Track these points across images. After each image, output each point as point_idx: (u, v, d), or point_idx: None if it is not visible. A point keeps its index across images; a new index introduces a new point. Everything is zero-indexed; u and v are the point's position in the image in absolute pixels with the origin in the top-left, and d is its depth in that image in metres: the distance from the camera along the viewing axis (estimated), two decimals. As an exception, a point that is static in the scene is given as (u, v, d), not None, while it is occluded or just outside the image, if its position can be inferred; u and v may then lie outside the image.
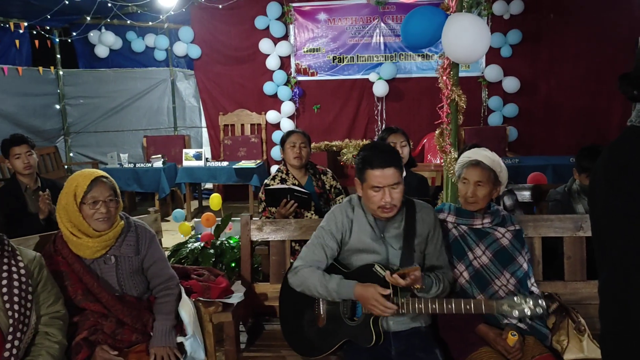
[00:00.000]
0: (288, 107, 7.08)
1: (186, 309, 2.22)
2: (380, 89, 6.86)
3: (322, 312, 2.22)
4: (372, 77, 6.92)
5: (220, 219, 3.90)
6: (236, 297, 2.37)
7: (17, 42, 6.68)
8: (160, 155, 6.55)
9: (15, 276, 1.90)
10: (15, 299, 1.87)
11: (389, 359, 2.08)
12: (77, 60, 7.56)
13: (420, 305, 2.00)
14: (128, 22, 7.07)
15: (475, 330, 2.13)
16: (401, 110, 7.01)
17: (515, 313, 1.91)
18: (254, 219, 2.70)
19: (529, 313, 1.90)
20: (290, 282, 2.23)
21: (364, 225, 2.18)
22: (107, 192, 2.14)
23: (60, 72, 7.51)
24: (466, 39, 2.47)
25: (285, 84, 7.10)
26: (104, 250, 2.16)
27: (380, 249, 2.15)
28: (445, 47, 2.54)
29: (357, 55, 7.05)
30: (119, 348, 2.06)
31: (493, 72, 6.54)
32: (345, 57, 7.06)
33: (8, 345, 1.82)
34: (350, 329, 2.12)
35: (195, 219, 4.30)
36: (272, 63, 6.99)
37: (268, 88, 7.08)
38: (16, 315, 1.85)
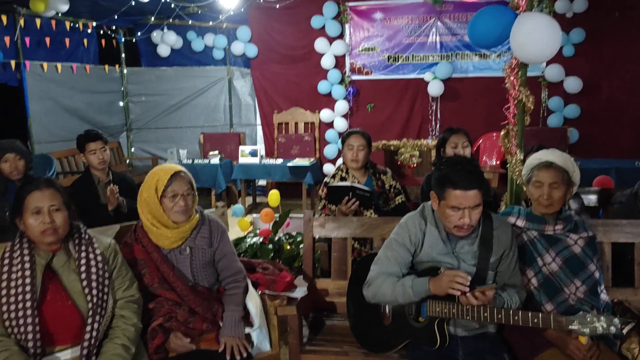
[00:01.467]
0: (342, 106, 7.11)
1: (253, 301, 2.29)
2: (435, 88, 6.79)
3: (387, 312, 2.24)
4: (427, 76, 6.87)
5: (278, 215, 3.99)
6: (300, 292, 2.43)
7: (85, 41, 7.01)
8: (217, 152, 6.74)
9: (92, 263, 2.02)
10: (94, 284, 1.99)
11: (455, 360, 2.07)
12: (140, 59, 7.87)
13: (486, 314, 1.94)
14: (189, 22, 7.29)
15: (545, 334, 2.08)
16: (456, 110, 6.91)
17: (587, 331, 1.81)
18: (316, 215, 2.75)
19: (600, 332, 1.80)
20: (365, 295, 2.22)
21: (436, 240, 2.13)
22: (185, 186, 2.24)
23: (125, 71, 7.83)
24: (537, 39, 2.42)
25: (340, 83, 7.14)
26: (181, 242, 2.26)
27: (452, 263, 2.11)
28: (514, 47, 2.50)
29: (413, 55, 7.00)
30: (190, 336, 2.15)
31: (554, 72, 6.36)
32: (400, 57, 7.03)
33: (88, 328, 1.94)
34: (415, 330, 2.13)
35: (254, 215, 4.39)
36: (327, 62, 7.04)
37: (322, 87, 7.14)
38: (95, 299, 1.97)
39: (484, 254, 2.08)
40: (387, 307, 2.24)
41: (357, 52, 7.14)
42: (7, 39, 5.74)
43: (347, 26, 7.05)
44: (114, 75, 7.73)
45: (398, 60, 7.06)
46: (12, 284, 1.90)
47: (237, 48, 7.36)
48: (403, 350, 2.19)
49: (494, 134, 6.08)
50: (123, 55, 7.79)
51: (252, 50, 7.32)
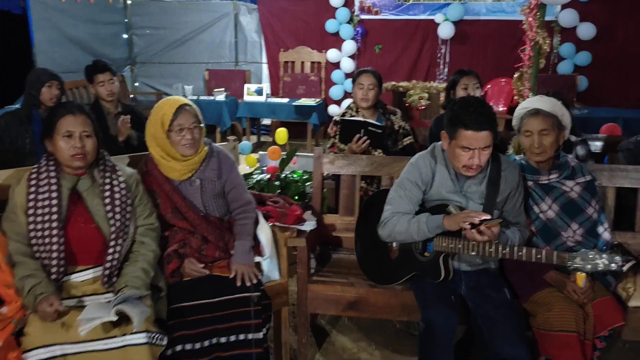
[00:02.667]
0: (349, 46, 7.00)
1: (264, 232, 2.37)
2: (445, 30, 6.66)
3: (394, 246, 2.32)
4: (438, 18, 6.72)
5: (285, 152, 4.02)
6: (309, 225, 2.49)
7: (88, -31, 6.80)
8: (223, 89, 6.69)
9: (116, 189, 2.08)
10: (117, 209, 2.05)
11: (457, 294, 2.17)
12: (144, -11, 7.66)
13: (490, 249, 2.00)
14: (194, -48, 7.06)
15: (545, 276, 2.15)
16: (466, 54, 6.80)
17: (588, 267, 1.86)
18: (326, 152, 2.79)
19: (601, 268, 1.85)
20: (380, 234, 2.29)
21: (445, 179, 2.17)
22: (191, 119, 2.26)
23: (128, 1, 7.63)
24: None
25: (348, 22, 6.99)
26: (190, 174, 2.30)
27: (460, 201, 2.15)
28: (533, -14, 2.46)
29: (424, -5, 6.83)
30: (203, 262, 2.24)
31: (568, 17, 6.21)
32: (411, -4, 6.86)
33: (110, 250, 2.02)
34: (421, 264, 2.21)
35: (261, 152, 4.43)
36: (335, 0, 6.86)
37: (330, 26, 7.00)
38: (117, 224, 2.04)
39: (491, 194, 2.13)
40: (394, 242, 2.31)
41: (367, -10, 6.96)
42: (8, -36, 5.58)
43: (357, -38, 6.84)
44: (118, 6, 7.54)
45: (408, 0, 6.88)
46: (39, 204, 1.96)
47: (244, -19, 7.17)
48: (407, 282, 2.29)
49: (503, 80, 6.01)
50: (126, -15, 7.59)
51: (259, -15, 7.13)
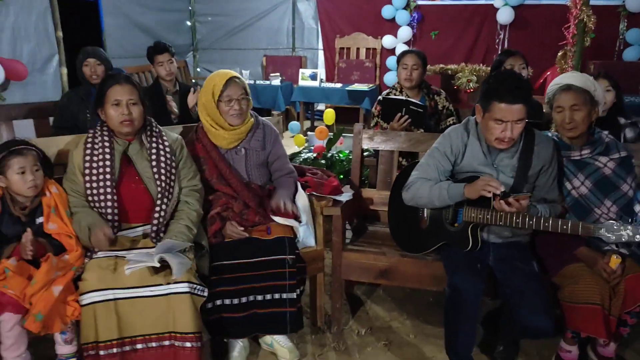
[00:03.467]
0: (405, 32, 7.00)
1: (301, 200, 2.50)
2: (505, 15, 6.53)
3: (425, 216, 2.39)
4: (497, 2, 6.59)
5: (332, 133, 4.14)
6: (345, 196, 2.60)
7: (156, -42, 7.16)
8: (278, 74, 6.88)
9: (162, 152, 2.27)
10: (162, 171, 2.24)
11: (485, 264, 2.21)
12: (207, -23, 7.97)
13: (517, 220, 2.02)
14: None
15: (576, 252, 2.15)
16: (525, 39, 6.62)
17: (612, 238, 1.87)
18: (365, 129, 2.88)
19: (625, 239, 1.85)
20: (403, 197, 2.37)
21: (477, 152, 2.21)
22: (239, 91, 2.41)
23: (192, -11, 7.97)
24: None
25: (405, 8, 6.99)
26: (237, 143, 2.47)
27: (491, 174, 2.18)
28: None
29: (484, -21, 6.71)
30: (244, 225, 2.39)
31: (635, 2, 5.92)
32: (471, -20, 6.75)
33: (157, 208, 2.22)
34: (450, 234, 2.28)
35: (309, 132, 4.57)
36: (393, -14, 6.88)
37: (386, 12, 7.02)
38: (163, 184, 2.23)
39: (523, 168, 2.15)
40: (425, 211, 2.38)
41: (425, -25, 6.91)
42: (83, -46, 5.97)
43: (415, -52, 6.81)
44: (182, -6, 7.90)
45: (468, -15, 6.78)
46: (95, 165, 2.18)
47: (303, -31, 7.31)
48: (437, 251, 2.35)
49: (563, 66, 5.83)
50: (191, -27, 7.91)
51: (317, -28, 7.24)
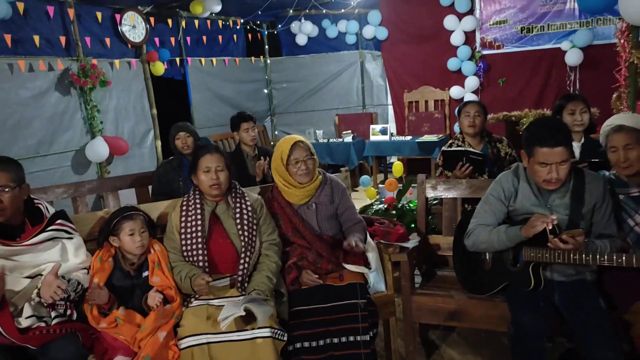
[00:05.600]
0: (472, 82, 7.15)
1: (370, 247, 2.70)
2: (573, 57, 6.52)
3: (487, 258, 2.51)
4: (564, 45, 6.61)
5: (402, 184, 4.34)
6: (411, 243, 2.78)
7: (234, 36, 7.93)
8: (350, 131, 7.23)
9: (245, 211, 2.58)
10: (245, 227, 2.54)
11: (550, 302, 2.28)
12: (281, 49, 8.66)
13: (575, 256, 2.08)
14: (323, 11, 7.86)
15: None
16: (597, 78, 6.53)
17: None
18: (428, 179, 3.06)
19: None
20: (465, 244, 2.53)
21: (528, 194, 2.34)
22: (304, 152, 2.71)
23: (268, 61, 8.66)
24: (644, 0, 2.44)
25: (470, 59, 7.17)
26: (307, 199, 2.74)
27: (545, 213, 2.26)
28: (622, 9, 2.55)
29: (548, 24, 6.78)
30: (318, 273, 2.62)
31: None
32: (535, 27, 6.85)
33: (242, 261, 2.51)
34: (512, 274, 2.37)
35: (380, 185, 4.78)
36: (456, 39, 7.12)
37: (452, 64, 7.25)
38: (246, 239, 2.53)
39: (576, 205, 2.24)
40: (487, 254, 2.50)
41: (487, 26, 7.10)
42: (172, 40, 6.78)
43: (477, 0, 7.04)
44: (259, 66, 8.59)
45: (532, 31, 6.89)
46: (189, 224, 2.53)
47: (368, 32, 7.76)
48: (501, 292, 2.44)
49: None
50: (266, 47, 8.61)
51: (382, 33, 7.66)
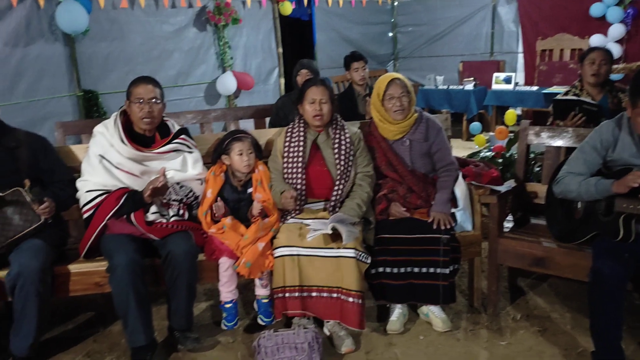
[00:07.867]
0: (617, 30, 6.47)
1: (460, 188, 2.76)
2: None
3: (579, 207, 2.46)
4: None
5: (513, 133, 4.22)
6: (504, 187, 2.77)
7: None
8: (472, 79, 7.01)
9: (343, 142, 2.76)
10: (343, 157, 2.73)
11: (637, 258, 2.20)
12: (409, -9, 8.48)
13: None
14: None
15: None
16: None
17: None
18: (533, 126, 2.98)
19: None
20: (553, 190, 2.50)
21: (628, 144, 2.25)
22: (400, 89, 2.79)
23: (395, 3, 8.54)
24: None
25: (618, 4, 6.48)
26: (401, 135, 2.84)
27: None
28: None
29: None
30: (406, 207, 2.75)
31: None
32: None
33: (336, 188, 2.72)
34: (602, 224, 2.32)
35: (490, 132, 4.68)
36: (603, -20, 6.45)
37: (595, 10, 6.59)
38: (342, 168, 2.72)
39: None
40: (579, 203, 2.44)
41: (642, -34, 6.33)
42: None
43: (632, -64, 6.27)
44: (386, 8, 8.53)
45: (698, -27, 6.02)
46: (292, 149, 2.78)
47: (504, -27, 7.30)
48: (589, 241, 2.39)
49: None
50: (396, -13, 8.49)
51: (519, -26, 7.16)
